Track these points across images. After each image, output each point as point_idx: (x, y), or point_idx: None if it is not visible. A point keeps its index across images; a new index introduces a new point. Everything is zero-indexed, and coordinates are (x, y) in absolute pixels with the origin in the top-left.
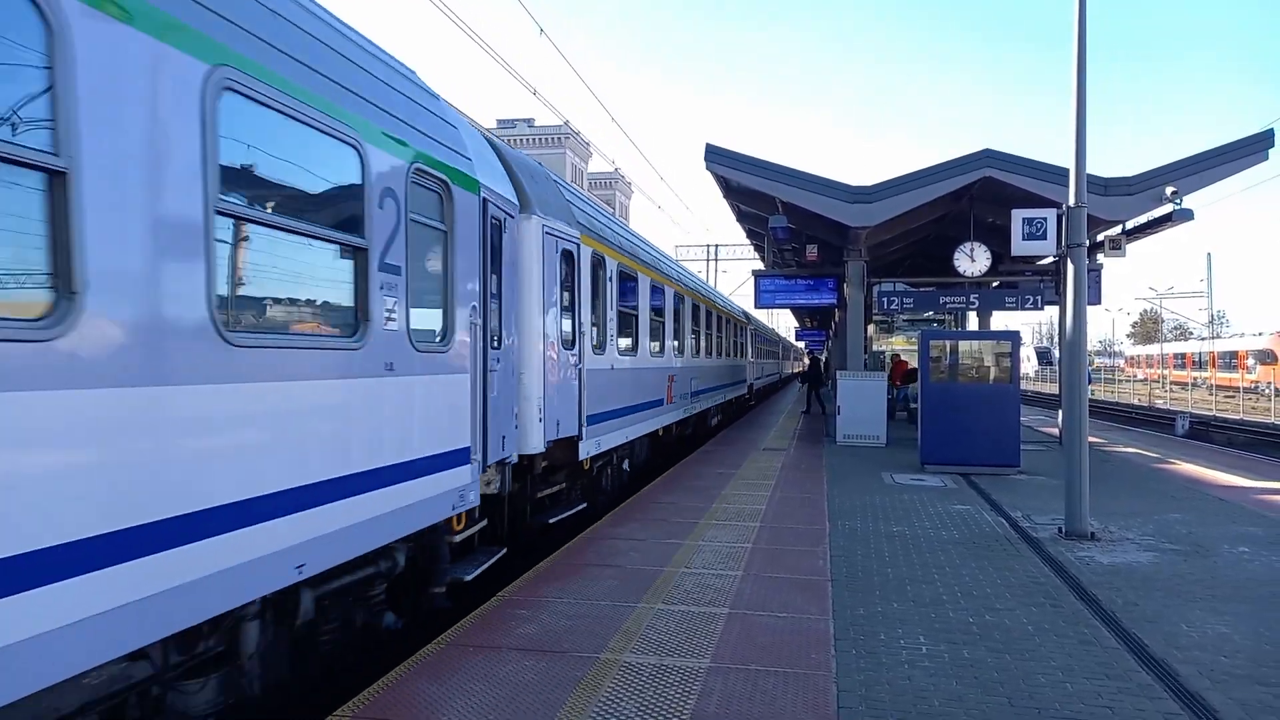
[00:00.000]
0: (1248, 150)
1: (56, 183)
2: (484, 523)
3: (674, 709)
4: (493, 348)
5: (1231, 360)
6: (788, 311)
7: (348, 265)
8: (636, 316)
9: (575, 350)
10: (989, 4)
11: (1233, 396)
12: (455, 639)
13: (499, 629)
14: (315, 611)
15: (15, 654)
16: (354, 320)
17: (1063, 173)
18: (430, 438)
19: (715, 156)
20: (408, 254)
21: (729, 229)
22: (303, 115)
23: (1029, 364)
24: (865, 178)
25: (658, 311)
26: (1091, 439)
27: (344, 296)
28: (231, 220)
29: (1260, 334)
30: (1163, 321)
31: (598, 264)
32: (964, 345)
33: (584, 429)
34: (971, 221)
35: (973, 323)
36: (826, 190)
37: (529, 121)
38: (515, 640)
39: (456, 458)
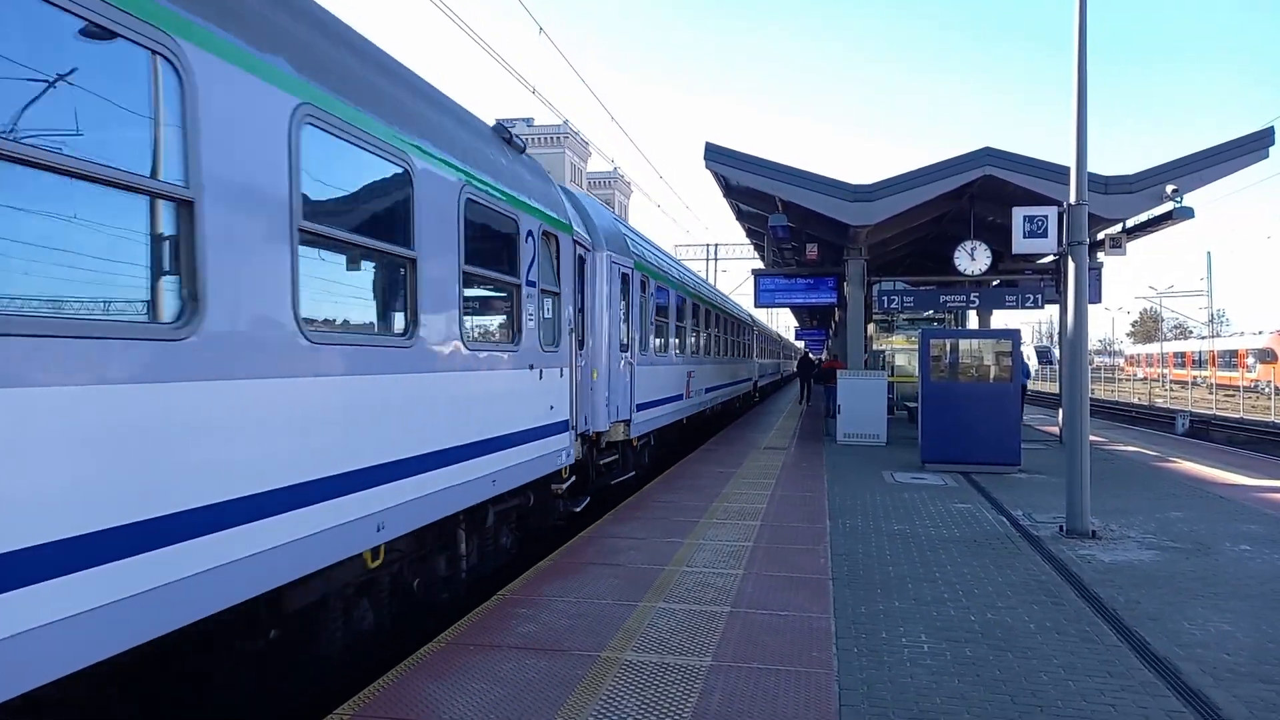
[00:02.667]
0: (1248, 148)
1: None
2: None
3: (675, 707)
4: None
5: (1231, 359)
6: (788, 310)
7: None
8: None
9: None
10: (989, 4)
11: (1233, 395)
12: (455, 638)
13: (499, 628)
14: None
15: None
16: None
17: (1063, 171)
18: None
19: (715, 155)
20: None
21: (729, 228)
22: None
23: (1029, 363)
24: (865, 177)
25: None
26: (1092, 438)
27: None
28: None
29: (1260, 333)
30: (1162, 320)
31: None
32: (964, 344)
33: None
34: (972, 220)
35: (973, 321)
36: (826, 189)
37: (528, 121)
38: (516, 639)
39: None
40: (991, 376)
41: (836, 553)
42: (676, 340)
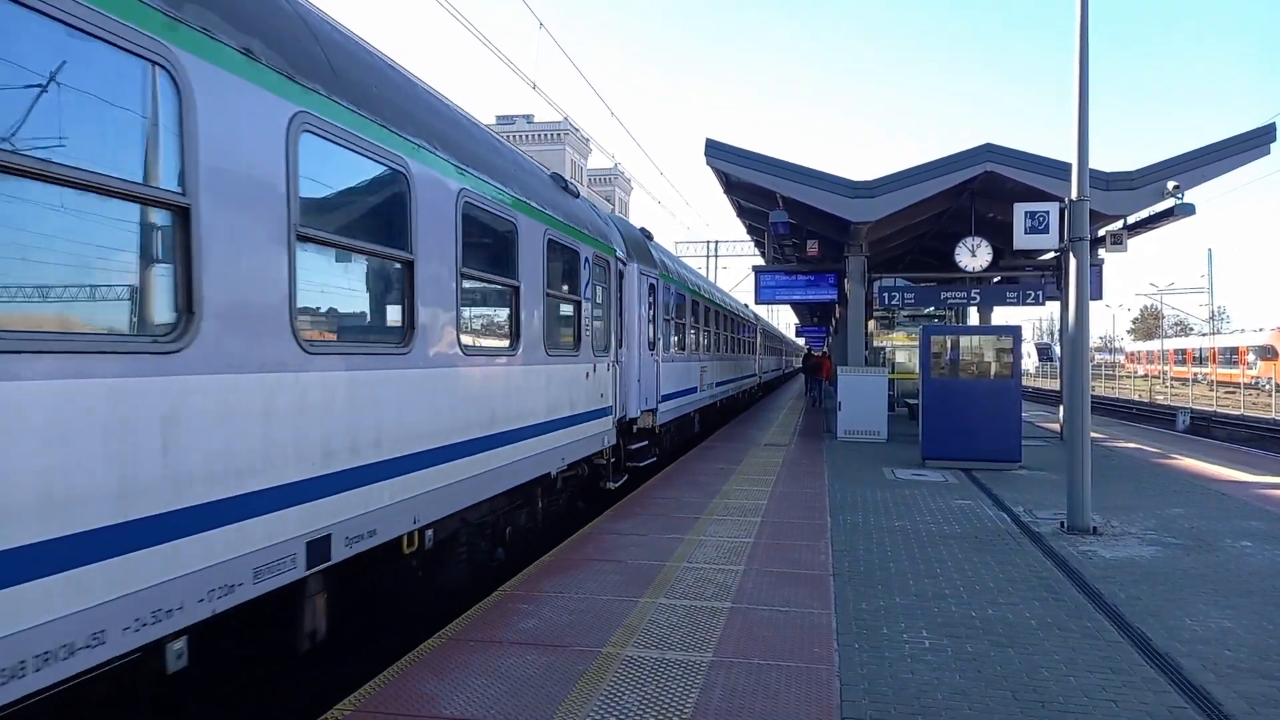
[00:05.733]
0: (1249, 145)
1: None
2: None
3: (677, 703)
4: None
5: (1232, 356)
6: (788, 308)
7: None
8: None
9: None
10: (993, 4)
11: (1233, 392)
12: (456, 634)
13: (500, 624)
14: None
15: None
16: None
17: (1064, 167)
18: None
19: (715, 151)
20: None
21: (729, 225)
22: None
23: (1029, 360)
24: (866, 175)
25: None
26: (1093, 434)
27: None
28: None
29: (1261, 330)
30: (1163, 317)
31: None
32: (965, 341)
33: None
34: (973, 217)
35: (974, 318)
36: (827, 185)
37: (528, 118)
38: (516, 635)
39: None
40: (992, 373)
41: (837, 549)
42: (765, 355)
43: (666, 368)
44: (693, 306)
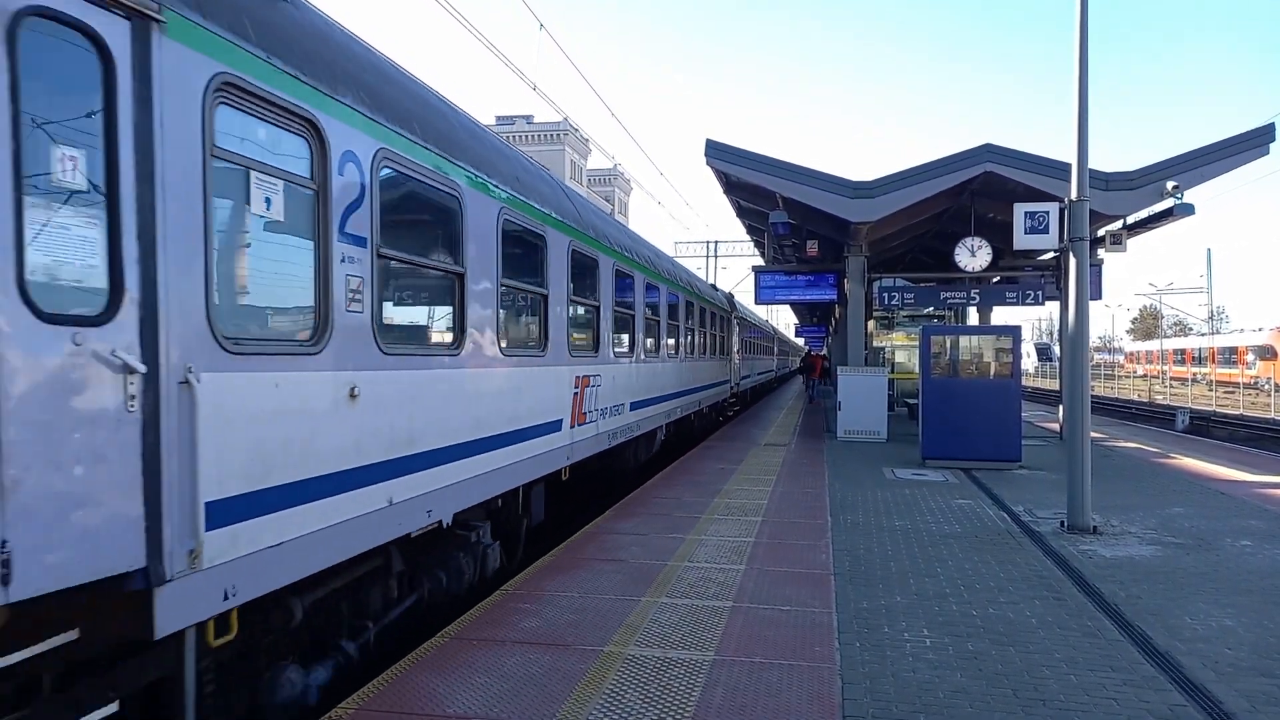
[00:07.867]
0: (1248, 145)
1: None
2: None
3: (678, 701)
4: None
5: (1231, 356)
6: (788, 308)
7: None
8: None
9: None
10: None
11: (1232, 392)
12: (459, 633)
13: (502, 623)
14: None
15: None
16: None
17: (1063, 167)
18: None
19: (715, 151)
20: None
21: (729, 225)
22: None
23: (1029, 360)
24: (867, 173)
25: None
26: (1092, 434)
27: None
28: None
29: (1260, 329)
30: (1162, 317)
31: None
32: (964, 341)
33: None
34: (973, 217)
35: (973, 318)
36: (827, 185)
37: (528, 118)
38: (519, 634)
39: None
40: (992, 373)
41: (838, 548)
42: (779, 356)
43: (741, 363)
44: (749, 330)
